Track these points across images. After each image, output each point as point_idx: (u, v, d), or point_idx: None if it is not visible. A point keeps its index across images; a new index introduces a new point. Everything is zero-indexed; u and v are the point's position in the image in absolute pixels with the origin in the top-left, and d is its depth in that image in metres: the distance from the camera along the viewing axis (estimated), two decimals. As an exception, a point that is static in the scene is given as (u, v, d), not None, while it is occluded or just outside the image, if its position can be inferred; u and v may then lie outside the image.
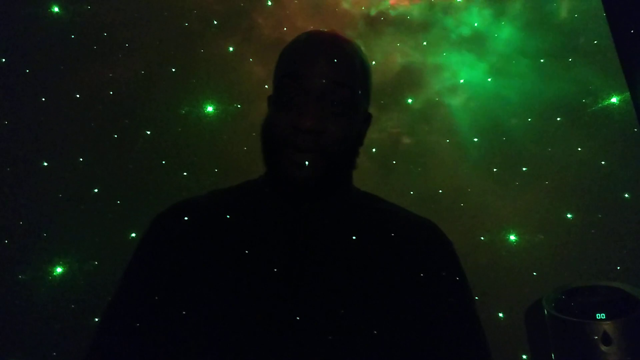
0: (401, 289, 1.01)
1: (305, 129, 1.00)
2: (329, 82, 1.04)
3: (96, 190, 1.97)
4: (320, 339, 0.92)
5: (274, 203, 1.09)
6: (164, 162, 2.08)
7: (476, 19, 2.43)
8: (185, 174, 2.09)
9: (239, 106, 2.21)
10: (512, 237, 1.95)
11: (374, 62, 2.39)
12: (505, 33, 2.39)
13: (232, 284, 0.97)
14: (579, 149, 2.06)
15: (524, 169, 2.10)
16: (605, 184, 1.98)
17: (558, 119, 2.14)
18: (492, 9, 2.42)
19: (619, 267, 1.84)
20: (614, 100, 2.04)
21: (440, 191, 2.12)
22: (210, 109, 2.12)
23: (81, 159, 2.02)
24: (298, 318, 0.93)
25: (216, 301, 0.95)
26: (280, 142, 1.04)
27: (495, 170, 2.14)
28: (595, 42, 2.15)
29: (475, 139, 2.23)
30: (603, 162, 2.01)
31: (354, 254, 1.03)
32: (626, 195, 1.91)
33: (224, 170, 2.11)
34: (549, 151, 2.10)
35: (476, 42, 2.41)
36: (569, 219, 1.96)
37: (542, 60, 2.27)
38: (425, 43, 2.43)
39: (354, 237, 1.06)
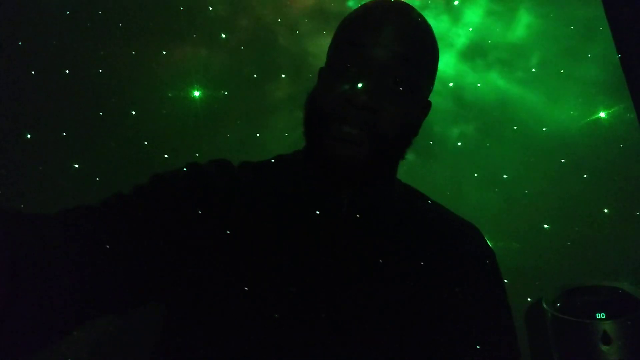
0: (436, 294, 0.92)
1: (360, 106, 0.88)
2: (394, 55, 0.92)
3: (76, 166, 1.93)
4: (349, 339, 0.86)
5: (312, 185, 0.99)
6: (145, 142, 2.05)
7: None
8: (166, 156, 2.00)
9: (225, 93, 2.21)
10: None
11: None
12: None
13: (257, 263, 0.88)
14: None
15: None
16: (605, 184, 1.99)
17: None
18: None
19: (619, 267, 1.84)
20: (602, 114, 2.06)
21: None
22: (197, 94, 2.09)
23: (64, 134, 2.00)
24: (325, 315, 0.86)
25: (233, 276, 0.86)
26: (328, 115, 0.91)
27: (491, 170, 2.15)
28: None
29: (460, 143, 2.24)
30: (603, 162, 2.02)
31: (393, 250, 0.95)
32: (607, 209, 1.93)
33: (205, 155, 2.08)
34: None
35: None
36: (569, 220, 1.97)
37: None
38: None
39: (394, 232, 0.98)
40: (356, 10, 1.03)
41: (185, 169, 0.98)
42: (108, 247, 0.79)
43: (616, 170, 2.04)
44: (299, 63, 2.32)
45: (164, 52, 2.17)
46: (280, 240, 0.92)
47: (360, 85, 0.90)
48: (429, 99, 1.08)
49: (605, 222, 1.90)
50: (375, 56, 0.92)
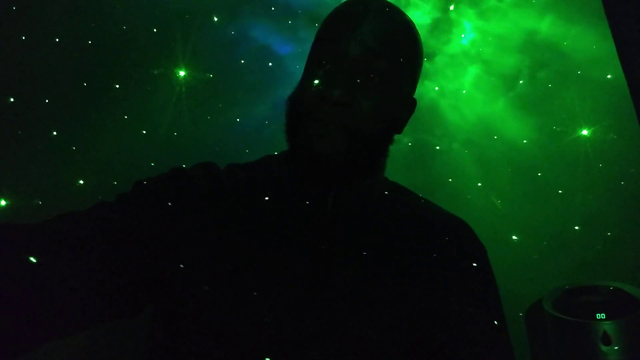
0: (427, 288, 0.91)
1: (334, 100, 0.88)
2: (368, 50, 0.91)
3: (55, 133, 1.98)
4: (341, 331, 0.85)
5: (297, 183, 0.98)
6: (126, 116, 2.10)
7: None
8: (144, 132, 2.11)
9: (210, 76, 2.24)
10: (514, 237, 1.95)
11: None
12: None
13: (253, 266, 0.87)
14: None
15: (539, 174, 2.10)
16: (604, 185, 1.99)
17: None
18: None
19: (619, 267, 1.85)
20: (584, 132, 2.11)
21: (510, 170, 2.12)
22: (182, 73, 2.16)
23: (47, 101, 2.03)
24: (319, 306, 0.86)
25: (225, 274, 0.85)
26: (304, 113, 0.92)
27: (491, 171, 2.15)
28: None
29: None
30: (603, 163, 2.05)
31: (380, 246, 0.94)
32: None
33: (182, 133, 2.16)
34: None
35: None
36: (569, 219, 1.97)
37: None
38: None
39: (381, 229, 0.96)
40: (336, 8, 1.03)
41: (169, 174, 0.97)
42: (96, 255, 0.78)
43: (592, 188, 2.05)
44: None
45: (155, 30, 2.18)
46: (267, 239, 0.91)
47: (333, 80, 0.89)
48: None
49: (574, 238, 1.91)
50: (348, 51, 0.91)
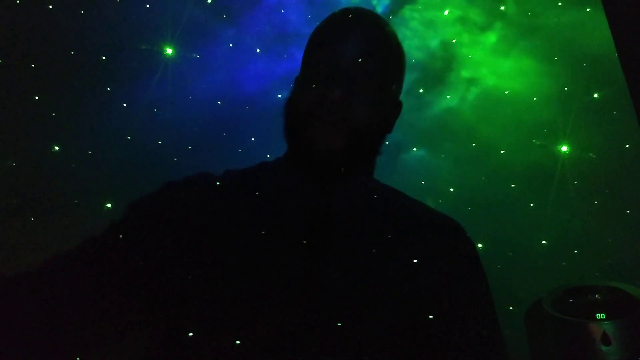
0: (419, 285, 0.95)
1: (334, 100, 0.95)
2: (363, 52, 1.00)
3: (37, 98, 1.95)
4: (335, 329, 0.87)
5: (293, 185, 1.04)
6: (108, 88, 2.08)
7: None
8: (124, 105, 2.08)
9: (197, 56, 2.23)
10: (479, 245, 1.90)
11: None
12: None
13: (248, 268, 0.90)
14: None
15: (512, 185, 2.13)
16: (604, 185, 2.04)
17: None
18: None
19: (618, 267, 1.88)
20: (564, 148, 2.11)
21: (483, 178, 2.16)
22: (169, 51, 2.13)
23: (33, 65, 2.00)
24: (313, 304, 0.88)
25: (232, 286, 0.88)
26: (306, 115, 0.99)
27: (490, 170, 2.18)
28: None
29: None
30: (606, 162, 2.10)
31: (374, 244, 0.98)
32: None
33: (162, 109, 2.16)
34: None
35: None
36: (568, 219, 2.02)
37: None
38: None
39: (373, 227, 1.00)
40: (326, 19, 1.11)
41: (160, 191, 1.02)
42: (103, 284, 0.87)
43: (564, 204, 2.04)
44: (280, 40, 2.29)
45: (147, 6, 2.17)
46: (263, 239, 0.94)
47: (332, 81, 0.96)
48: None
49: (539, 253, 1.93)
50: (345, 54, 0.99)
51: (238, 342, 0.84)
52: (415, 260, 0.97)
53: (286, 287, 0.89)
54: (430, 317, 0.93)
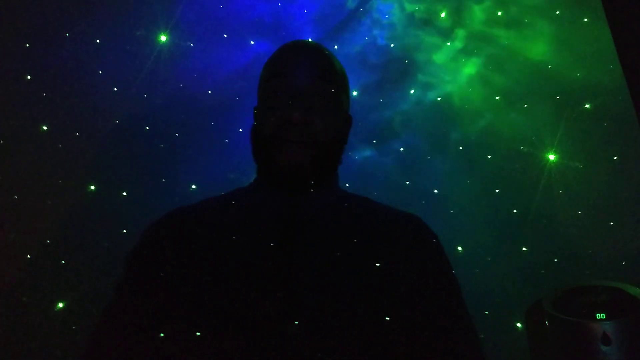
0: (388, 281, 1.02)
1: (296, 122, 1.06)
2: (314, 77, 1.13)
3: (28, 77, 1.97)
4: (311, 332, 0.92)
5: (265, 202, 1.13)
6: (100, 72, 2.07)
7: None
8: (115, 89, 2.06)
9: (191, 45, 2.21)
10: (459, 248, 1.96)
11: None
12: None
13: (227, 285, 0.96)
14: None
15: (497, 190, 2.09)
16: (589, 196, 2.04)
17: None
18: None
19: (619, 267, 1.87)
20: (551, 157, 2.13)
21: (436, 191, 2.16)
22: (163, 38, 2.14)
23: (27, 45, 2.02)
24: (290, 312, 0.93)
25: (213, 305, 0.95)
26: (272, 138, 1.09)
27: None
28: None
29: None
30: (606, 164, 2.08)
31: (342, 247, 1.04)
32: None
33: (153, 94, 2.12)
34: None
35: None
36: (568, 218, 2.00)
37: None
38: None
39: (341, 230, 1.08)
40: (276, 52, 1.24)
41: (143, 239, 1.10)
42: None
43: (546, 213, 2.02)
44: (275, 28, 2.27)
45: None
46: (244, 256, 1.01)
47: (292, 106, 1.08)
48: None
49: (518, 259, 1.94)
50: (299, 81, 1.12)
51: (221, 343, 0.91)
52: (380, 254, 1.04)
53: (262, 293, 0.96)
54: (398, 305, 0.99)
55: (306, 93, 1.11)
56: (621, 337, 1.58)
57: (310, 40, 1.33)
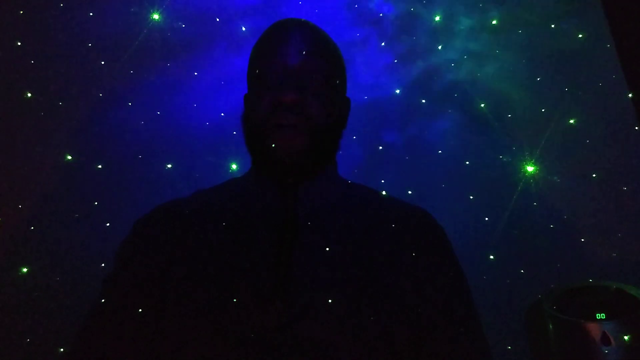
0: (392, 274, 0.97)
1: (288, 103, 0.99)
2: (308, 55, 1.04)
3: (18, 43, 1.94)
4: (310, 337, 0.88)
5: (260, 192, 1.08)
6: (90, 44, 2.04)
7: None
8: (102, 62, 2.04)
9: (183, 25, 2.18)
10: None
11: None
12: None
13: (222, 285, 0.93)
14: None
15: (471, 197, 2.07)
16: (564, 211, 2.05)
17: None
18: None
19: (619, 267, 1.88)
20: (529, 168, 2.13)
21: (410, 192, 2.10)
22: (156, 16, 2.10)
23: (21, 12, 1.99)
24: (288, 316, 0.90)
25: (206, 303, 0.92)
26: (265, 123, 1.02)
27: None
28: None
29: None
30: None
31: (345, 242, 1.00)
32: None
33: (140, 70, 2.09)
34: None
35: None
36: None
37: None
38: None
39: (342, 223, 1.03)
40: (264, 32, 1.16)
41: (133, 234, 1.06)
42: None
43: (518, 223, 2.02)
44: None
45: None
46: (239, 248, 0.97)
47: (284, 87, 1.01)
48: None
49: (485, 266, 1.92)
50: (290, 59, 1.03)
51: (215, 343, 0.88)
52: (386, 252, 1.00)
53: (256, 280, 0.93)
54: (405, 302, 0.96)
55: (298, 72, 1.03)
56: (621, 337, 1.57)
57: (299, 18, 1.19)
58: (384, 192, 1.22)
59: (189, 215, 1.06)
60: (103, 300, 0.97)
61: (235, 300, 0.91)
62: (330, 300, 0.91)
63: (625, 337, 1.56)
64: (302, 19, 1.17)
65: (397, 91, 2.27)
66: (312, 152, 1.03)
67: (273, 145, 1.01)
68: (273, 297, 0.91)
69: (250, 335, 0.87)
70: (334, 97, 1.10)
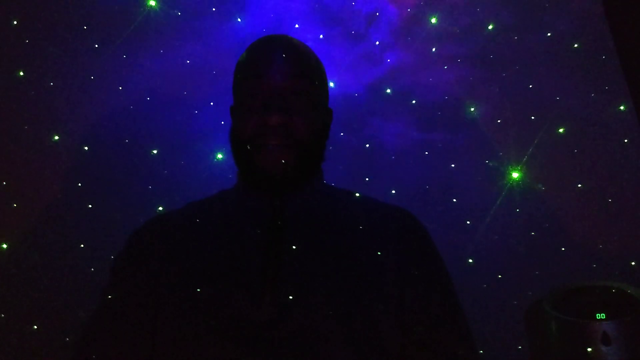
0: (378, 276, 1.01)
1: (274, 125, 1.02)
2: (290, 74, 1.07)
3: (15, 22, 1.93)
4: (300, 330, 0.91)
5: (249, 204, 1.11)
6: (85, 27, 2.01)
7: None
8: (96, 46, 2.02)
9: (179, 13, 2.13)
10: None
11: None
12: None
13: (215, 291, 0.96)
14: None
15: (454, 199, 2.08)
16: (546, 219, 2.05)
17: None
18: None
19: (618, 267, 1.88)
20: (514, 175, 2.12)
21: (394, 192, 2.10)
22: (152, 3, 2.08)
23: (15, 22, 1.96)
24: (278, 311, 0.93)
25: (200, 311, 0.94)
26: (251, 142, 1.06)
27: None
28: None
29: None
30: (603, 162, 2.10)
31: (330, 244, 1.04)
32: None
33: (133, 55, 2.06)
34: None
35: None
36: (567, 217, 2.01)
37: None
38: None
39: (328, 226, 1.07)
40: (248, 49, 1.18)
41: (128, 246, 1.09)
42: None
43: (500, 227, 2.02)
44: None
45: None
46: (229, 259, 1.00)
47: (269, 108, 1.03)
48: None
49: (463, 269, 1.91)
50: (276, 81, 1.06)
51: (208, 349, 0.91)
52: (371, 253, 1.03)
53: (250, 297, 0.95)
54: (391, 303, 0.99)
55: (283, 93, 1.07)
56: (621, 337, 1.58)
57: (280, 34, 1.22)
58: (368, 195, 1.24)
59: (181, 226, 1.10)
60: (101, 313, 1.01)
61: (226, 297, 0.94)
62: (317, 295, 0.95)
63: (625, 337, 1.58)
64: (285, 36, 1.20)
65: (388, 91, 2.28)
66: (298, 167, 1.07)
67: (259, 164, 1.05)
68: (262, 294, 0.94)
69: (242, 330, 0.91)
70: (318, 112, 1.14)
